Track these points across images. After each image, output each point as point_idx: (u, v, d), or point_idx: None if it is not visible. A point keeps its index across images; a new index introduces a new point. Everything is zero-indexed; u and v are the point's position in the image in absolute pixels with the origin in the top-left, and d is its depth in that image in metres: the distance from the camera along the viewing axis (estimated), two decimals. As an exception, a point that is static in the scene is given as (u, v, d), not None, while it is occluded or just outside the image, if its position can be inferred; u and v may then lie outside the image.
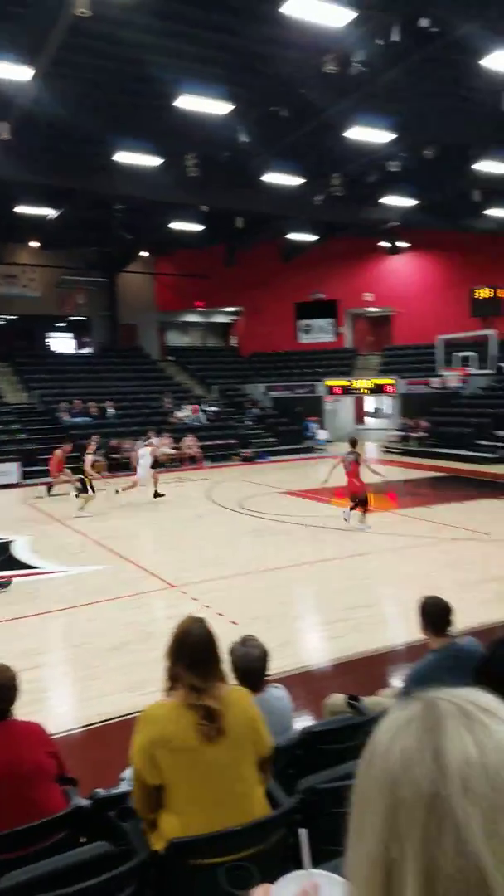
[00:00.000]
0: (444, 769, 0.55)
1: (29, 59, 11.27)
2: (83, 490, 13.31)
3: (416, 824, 0.55)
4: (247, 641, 3.08)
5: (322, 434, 24.42)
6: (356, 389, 26.43)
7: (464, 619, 4.86)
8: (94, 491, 13.33)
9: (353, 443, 11.55)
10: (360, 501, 10.87)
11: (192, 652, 2.40)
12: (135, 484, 14.24)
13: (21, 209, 19.09)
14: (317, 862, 1.16)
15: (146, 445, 15.13)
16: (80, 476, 13.59)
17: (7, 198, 18.27)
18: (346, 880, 0.61)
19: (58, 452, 15.50)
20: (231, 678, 3.17)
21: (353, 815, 0.61)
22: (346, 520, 10.93)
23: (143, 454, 14.44)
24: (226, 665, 3.01)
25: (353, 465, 10.98)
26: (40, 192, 17.95)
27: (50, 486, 15.50)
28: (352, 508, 10.91)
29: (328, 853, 1.66)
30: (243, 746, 2.36)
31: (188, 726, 2.27)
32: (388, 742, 0.60)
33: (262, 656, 3.03)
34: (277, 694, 3.13)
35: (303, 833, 1.11)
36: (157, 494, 14.40)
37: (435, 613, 3.61)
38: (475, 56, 11.69)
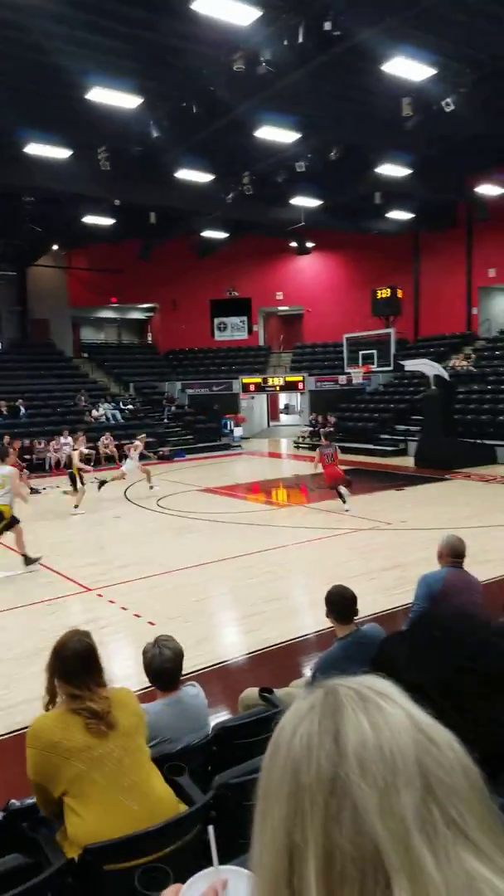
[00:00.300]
0: (342, 751, 0.57)
1: None
2: (73, 486, 13.38)
3: (318, 807, 0.56)
4: (159, 642, 3.11)
5: (238, 431, 24.62)
6: (270, 387, 26.82)
7: (369, 606, 5.07)
8: (83, 485, 13.25)
9: (328, 436, 14.00)
10: (347, 483, 12.45)
11: (69, 665, 2.47)
12: (122, 476, 14.79)
13: None
14: (232, 857, 1.19)
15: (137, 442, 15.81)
16: (70, 472, 13.63)
17: None
18: (251, 871, 0.62)
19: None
20: (145, 680, 3.20)
21: (258, 807, 0.62)
22: (347, 510, 12.00)
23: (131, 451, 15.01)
24: (137, 668, 3.08)
25: (334, 455, 12.68)
26: None
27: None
28: (340, 495, 12.22)
29: (242, 848, 1.73)
30: (135, 738, 2.45)
31: (76, 729, 2.34)
32: (292, 730, 0.61)
33: (174, 657, 3.06)
34: (192, 692, 3.17)
35: (210, 830, 1.15)
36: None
37: (339, 603, 3.74)
38: (376, 61, 12.08)
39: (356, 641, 3.56)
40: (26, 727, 4.73)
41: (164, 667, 3.03)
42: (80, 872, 2.23)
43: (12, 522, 8.82)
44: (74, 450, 13.74)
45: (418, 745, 0.58)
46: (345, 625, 3.76)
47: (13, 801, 3.04)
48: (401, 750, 0.57)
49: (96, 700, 2.40)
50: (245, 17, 10.54)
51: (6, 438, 15.16)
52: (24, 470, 13.31)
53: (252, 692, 3.89)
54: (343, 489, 12.31)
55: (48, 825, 2.47)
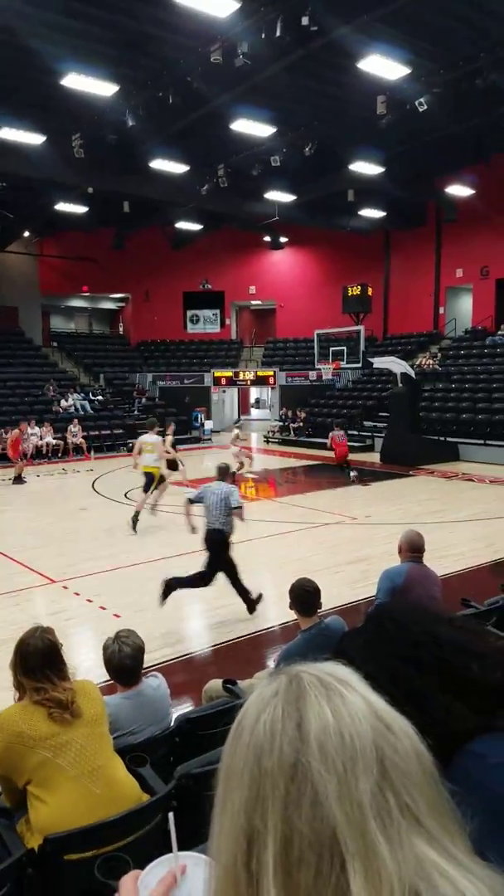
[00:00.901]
0: (304, 738, 0.58)
1: None
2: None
3: (279, 792, 0.57)
4: (119, 638, 3.11)
5: (209, 424, 24.59)
6: (241, 381, 26.84)
7: (334, 599, 5.15)
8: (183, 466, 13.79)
9: (340, 425, 17.18)
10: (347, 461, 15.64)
11: (31, 662, 2.53)
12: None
13: None
14: (193, 846, 1.21)
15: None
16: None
17: None
18: (209, 856, 0.63)
19: (15, 433, 15.86)
20: (105, 675, 3.20)
21: (219, 792, 0.62)
22: (352, 479, 14.65)
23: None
24: (100, 660, 3.09)
25: (343, 438, 16.46)
26: None
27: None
28: (348, 466, 15.47)
29: (203, 837, 1.76)
30: (98, 726, 2.50)
31: (39, 718, 2.40)
32: (255, 715, 0.62)
33: (134, 653, 3.06)
34: (153, 684, 3.20)
35: (170, 816, 1.18)
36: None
37: (302, 595, 3.82)
38: (352, 58, 12.14)
39: (319, 633, 3.65)
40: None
41: (123, 663, 3.04)
42: (40, 863, 2.24)
43: (160, 481, 10.93)
44: (167, 436, 13.12)
45: (376, 732, 0.60)
46: (308, 617, 3.83)
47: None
48: (360, 736, 0.59)
49: (59, 691, 2.46)
50: (224, 8, 10.50)
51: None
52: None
53: (216, 683, 3.93)
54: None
55: (7, 815, 2.47)
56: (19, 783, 2.38)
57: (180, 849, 1.18)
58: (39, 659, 2.54)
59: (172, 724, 3.18)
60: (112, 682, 3.21)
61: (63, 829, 2.17)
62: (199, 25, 11.14)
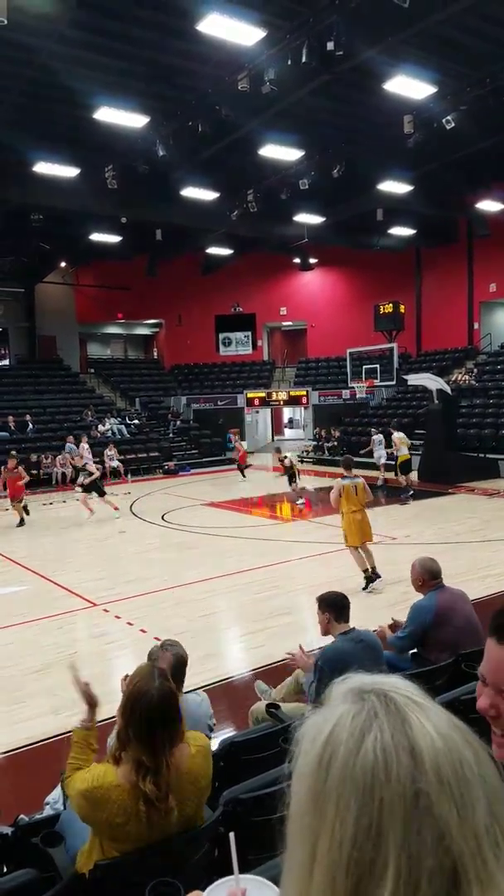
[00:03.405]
0: (420, 765, 0.56)
1: None
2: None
3: (397, 822, 0.54)
4: (165, 645, 3.13)
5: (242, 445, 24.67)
6: (274, 401, 26.92)
7: (375, 621, 5.08)
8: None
9: (388, 438, 17.09)
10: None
11: (147, 718, 2.08)
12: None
13: None
14: (242, 870, 1.20)
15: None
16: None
17: None
18: (285, 887, 0.60)
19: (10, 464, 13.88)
20: None
21: (304, 821, 0.59)
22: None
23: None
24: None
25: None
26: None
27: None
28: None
29: (251, 863, 1.74)
30: (187, 809, 2.22)
31: (133, 811, 2.08)
32: (355, 740, 0.58)
33: (178, 664, 3.06)
34: (196, 699, 3.21)
35: (232, 837, 1.16)
36: None
37: (336, 602, 3.90)
38: (378, 80, 12.25)
39: (357, 640, 3.72)
40: (34, 742, 4.77)
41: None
42: (91, 888, 2.24)
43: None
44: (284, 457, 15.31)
45: (474, 755, 0.58)
46: (341, 623, 3.88)
47: (22, 816, 3.06)
48: (466, 761, 0.57)
49: (160, 783, 2.07)
50: (250, 37, 10.73)
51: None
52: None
53: (262, 705, 3.92)
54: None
55: (58, 839, 2.48)
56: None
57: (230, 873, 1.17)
58: (159, 717, 2.08)
59: (216, 747, 3.17)
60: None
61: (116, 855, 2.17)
62: (226, 55, 11.39)
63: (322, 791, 0.58)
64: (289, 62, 11.38)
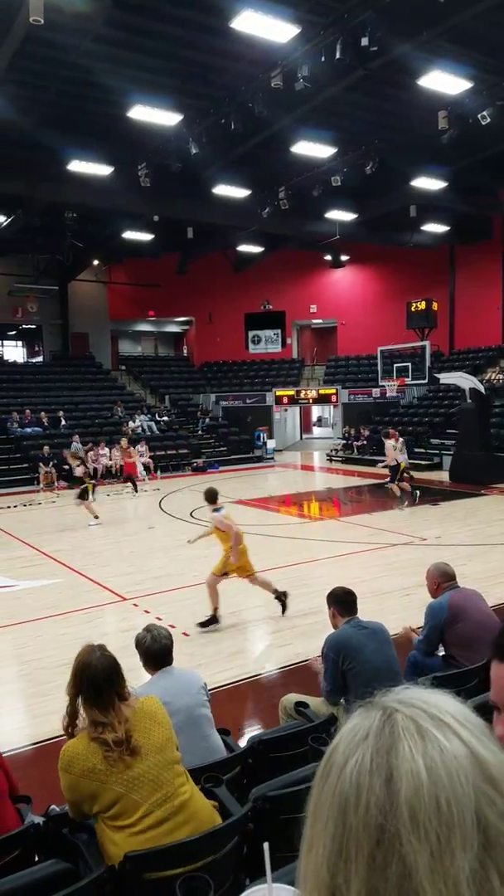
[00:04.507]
0: (394, 798, 0.52)
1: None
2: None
3: (362, 853, 0.52)
4: (151, 629, 3.31)
5: (271, 444, 24.67)
6: (303, 399, 26.83)
7: (404, 622, 5.04)
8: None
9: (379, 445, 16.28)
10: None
11: (94, 686, 2.41)
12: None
13: (-28, 217, 18.79)
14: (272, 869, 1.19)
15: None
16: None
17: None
18: (298, 889, 0.59)
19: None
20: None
21: (307, 830, 0.58)
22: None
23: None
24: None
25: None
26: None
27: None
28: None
29: (278, 862, 1.74)
30: (167, 752, 2.44)
31: (99, 760, 2.32)
32: (344, 758, 0.56)
33: (168, 641, 3.28)
34: (187, 672, 3.44)
35: (265, 847, 1.16)
36: None
37: (342, 598, 4.00)
38: (412, 75, 12.13)
39: (359, 625, 3.87)
40: (56, 737, 4.82)
41: (156, 650, 3.23)
42: (120, 880, 2.26)
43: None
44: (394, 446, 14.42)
45: (479, 795, 0.52)
46: (346, 617, 3.98)
47: (53, 806, 3.10)
48: (458, 801, 0.51)
49: (116, 726, 2.35)
50: (284, 34, 10.70)
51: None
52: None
53: (293, 697, 3.93)
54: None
55: (89, 831, 2.51)
56: (90, 811, 2.38)
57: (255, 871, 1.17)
58: (103, 682, 2.42)
59: (244, 744, 3.18)
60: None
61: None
62: (260, 52, 11.39)
63: (318, 803, 0.57)
64: (322, 59, 11.32)
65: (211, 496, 7.27)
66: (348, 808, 0.54)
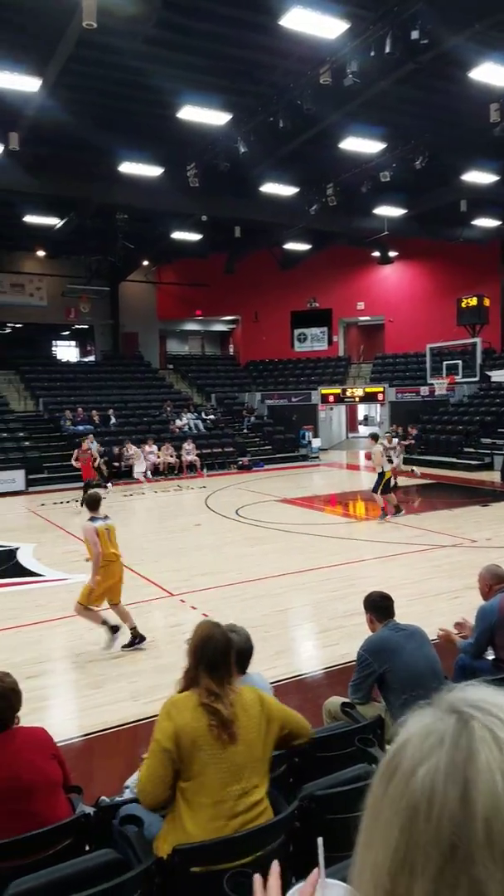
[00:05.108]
0: (470, 814, 0.49)
1: (37, 70, 11.49)
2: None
3: (430, 867, 0.49)
4: (232, 628, 3.28)
5: (316, 443, 24.56)
6: (349, 398, 26.58)
7: (451, 626, 4.96)
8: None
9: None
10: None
11: (212, 656, 2.54)
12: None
13: (29, 218, 19.30)
14: (313, 868, 1.20)
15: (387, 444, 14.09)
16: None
17: (15, 207, 18.48)
18: (352, 887, 0.57)
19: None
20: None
21: (364, 830, 0.55)
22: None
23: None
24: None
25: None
26: (47, 202, 18.14)
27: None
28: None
29: (326, 860, 1.74)
30: (252, 748, 2.46)
31: (206, 726, 2.42)
32: (414, 762, 0.53)
33: (247, 640, 3.32)
34: (258, 677, 3.43)
35: (319, 842, 1.16)
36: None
37: (378, 604, 4.01)
38: (464, 68, 11.88)
39: (396, 628, 3.88)
40: (113, 727, 4.93)
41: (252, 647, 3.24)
42: (168, 872, 2.30)
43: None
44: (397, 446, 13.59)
45: None
46: (383, 622, 3.98)
47: (103, 797, 3.17)
48: None
49: (226, 705, 2.45)
50: (333, 30, 10.62)
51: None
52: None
53: (336, 700, 3.92)
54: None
55: (138, 823, 2.56)
56: (169, 777, 2.40)
57: (300, 871, 1.17)
58: (221, 657, 2.55)
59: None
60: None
61: (195, 841, 2.22)
62: (308, 49, 11.33)
63: (379, 804, 0.54)
64: (371, 53, 11.19)
65: (91, 502, 6.64)
66: (417, 817, 0.51)
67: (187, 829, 2.34)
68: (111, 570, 6.37)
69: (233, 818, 2.35)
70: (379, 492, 12.54)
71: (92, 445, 17.06)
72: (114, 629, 6.35)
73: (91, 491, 6.74)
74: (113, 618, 6.47)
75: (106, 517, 6.58)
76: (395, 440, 14.72)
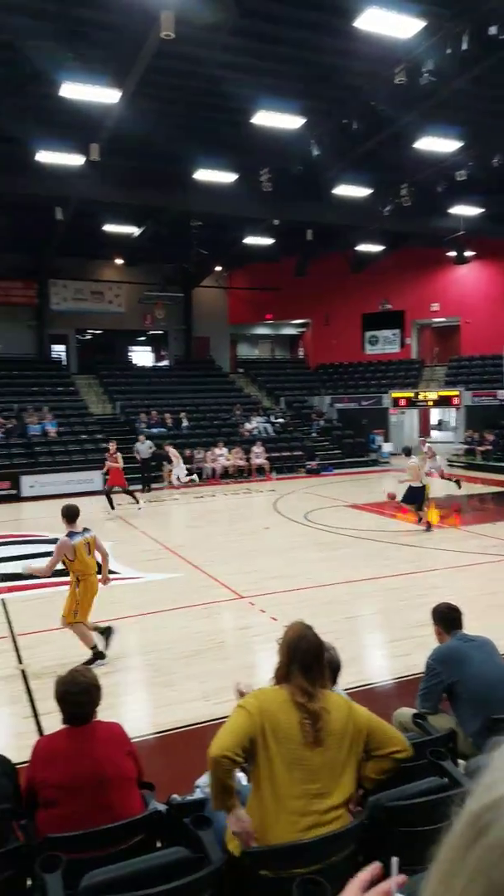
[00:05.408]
0: None
1: (117, 82, 11.83)
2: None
3: None
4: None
5: (387, 447, 24.15)
6: (421, 401, 26.00)
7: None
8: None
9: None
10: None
11: (305, 656, 2.55)
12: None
13: (108, 228, 19.94)
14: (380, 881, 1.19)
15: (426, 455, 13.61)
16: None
17: (96, 217, 19.13)
18: None
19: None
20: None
21: (439, 875, 0.52)
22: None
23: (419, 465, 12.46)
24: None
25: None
26: (126, 211, 18.70)
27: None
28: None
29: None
30: (337, 756, 2.46)
31: (294, 722, 2.42)
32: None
33: (336, 655, 3.45)
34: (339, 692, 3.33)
35: (394, 862, 1.16)
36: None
37: (446, 616, 3.98)
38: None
39: (465, 639, 3.87)
40: (185, 726, 5.01)
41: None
42: (237, 875, 2.33)
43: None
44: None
45: None
46: (451, 634, 3.95)
47: (174, 795, 3.24)
48: None
49: (317, 703, 2.45)
50: (407, 29, 10.49)
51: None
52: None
53: (407, 711, 3.86)
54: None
55: (210, 823, 2.60)
56: (248, 744, 2.40)
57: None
58: (313, 658, 2.55)
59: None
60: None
61: (266, 843, 2.24)
62: (383, 49, 11.22)
63: (462, 856, 0.50)
64: (448, 51, 10.98)
65: (69, 515, 6.25)
66: (493, 868, 0.47)
67: (261, 820, 2.35)
68: (90, 582, 6.22)
69: (305, 815, 2.35)
70: (424, 506, 12.21)
71: (141, 447, 17.41)
72: (106, 632, 6.33)
73: (69, 503, 6.31)
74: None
75: (85, 530, 6.26)
76: (427, 445, 14.35)
